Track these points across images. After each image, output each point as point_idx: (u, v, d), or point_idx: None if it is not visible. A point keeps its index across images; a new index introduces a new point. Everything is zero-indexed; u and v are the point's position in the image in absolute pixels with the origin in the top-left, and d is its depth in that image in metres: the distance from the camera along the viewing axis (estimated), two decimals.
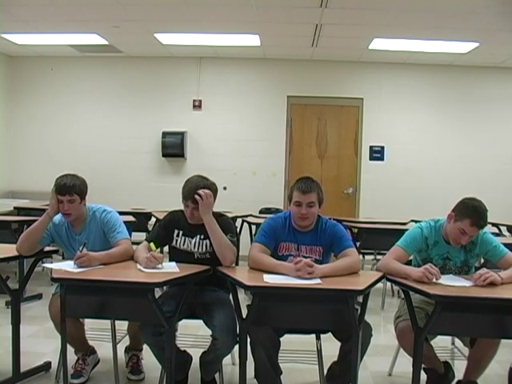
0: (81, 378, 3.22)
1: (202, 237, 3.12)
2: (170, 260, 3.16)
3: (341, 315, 2.62)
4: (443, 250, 3.06)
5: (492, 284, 2.71)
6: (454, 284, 2.74)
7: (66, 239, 3.23)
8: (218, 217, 3.12)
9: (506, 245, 3.08)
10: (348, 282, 2.73)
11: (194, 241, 3.15)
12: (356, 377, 2.66)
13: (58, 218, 3.20)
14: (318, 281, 2.68)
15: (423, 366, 2.81)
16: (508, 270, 2.88)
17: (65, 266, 2.86)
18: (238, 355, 2.76)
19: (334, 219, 3.27)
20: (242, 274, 2.87)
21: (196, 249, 3.14)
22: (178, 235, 3.18)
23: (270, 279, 2.69)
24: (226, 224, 3.13)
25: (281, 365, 2.89)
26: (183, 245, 3.16)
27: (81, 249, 2.91)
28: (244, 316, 2.72)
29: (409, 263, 3.09)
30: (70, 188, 3.07)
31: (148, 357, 3.24)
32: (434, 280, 2.72)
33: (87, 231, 3.22)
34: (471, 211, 2.88)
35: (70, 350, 3.10)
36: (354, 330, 2.60)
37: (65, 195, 3.06)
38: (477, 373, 3.01)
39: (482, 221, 2.89)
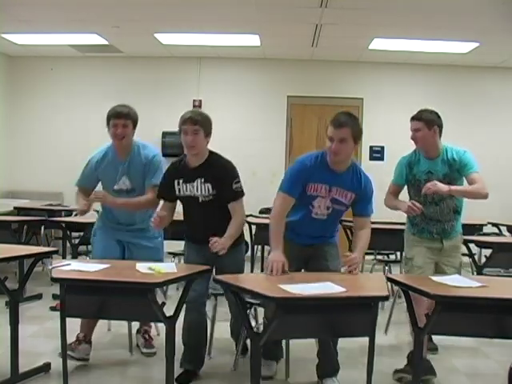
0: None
1: (203, 180, 3.18)
2: (184, 210, 3.32)
3: (362, 322, 2.58)
4: (424, 166, 3.43)
5: (438, 191, 3.17)
6: (457, 284, 2.74)
7: (108, 171, 3.53)
8: (219, 166, 3.20)
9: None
10: (368, 289, 2.78)
11: (195, 184, 3.20)
12: (370, 379, 2.67)
13: (100, 153, 3.64)
14: (343, 289, 2.50)
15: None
16: (463, 186, 3.28)
17: (81, 267, 2.84)
18: (250, 366, 2.54)
19: None
20: (254, 284, 2.67)
21: (199, 192, 3.19)
22: (178, 184, 3.26)
23: (290, 289, 2.45)
24: (229, 171, 3.21)
25: None
26: (186, 191, 3.23)
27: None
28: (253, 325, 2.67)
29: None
30: (127, 114, 3.56)
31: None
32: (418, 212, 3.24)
33: (129, 162, 3.53)
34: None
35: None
36: (371, 335, 2.60)
37: (121, 119, 3.52)
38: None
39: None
